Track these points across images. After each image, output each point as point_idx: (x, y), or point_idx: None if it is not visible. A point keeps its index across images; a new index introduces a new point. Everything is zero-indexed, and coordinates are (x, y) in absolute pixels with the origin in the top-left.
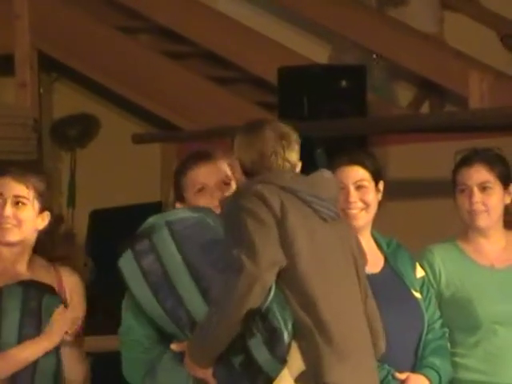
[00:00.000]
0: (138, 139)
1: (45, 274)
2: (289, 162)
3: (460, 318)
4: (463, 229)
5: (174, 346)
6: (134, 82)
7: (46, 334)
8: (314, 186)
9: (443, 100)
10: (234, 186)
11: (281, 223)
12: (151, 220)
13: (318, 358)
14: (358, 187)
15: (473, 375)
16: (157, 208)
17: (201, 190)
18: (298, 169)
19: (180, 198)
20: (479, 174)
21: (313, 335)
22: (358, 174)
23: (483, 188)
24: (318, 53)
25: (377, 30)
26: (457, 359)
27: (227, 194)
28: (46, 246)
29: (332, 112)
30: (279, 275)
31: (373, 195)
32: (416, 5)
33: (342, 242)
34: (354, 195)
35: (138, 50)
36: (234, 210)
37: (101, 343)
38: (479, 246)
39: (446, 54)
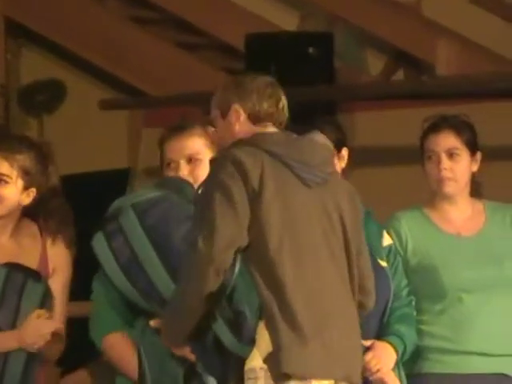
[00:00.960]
0: (105, 105)
1: (29, 243)
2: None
3: (426, 286)
4: (430, 196)
5: (152, 323)
6: (100, 47)
7: (19, 333)
8: (303, 152)
9: (419, 70)
10: (205, 161)
11: (257, 197)
12: (117, 203)
13: (279, 345)
14: None
15: (438, 342)
16: (124, 175)
17: (168, 164)
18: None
19: None
20: (447, 140)
21: (276, 320)
22: None
23: (451, 155)
24: (285, 20)
25: None
26: (422, 327)
27: (197, 170)
28: (39, 217)
29: (299, 79)
30: (248, 254)
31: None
32: None
33: (324, 207)
34: None
35: (106, 16)
36: (209, 180)
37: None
38: (446, 213)
39: (415, 22)
